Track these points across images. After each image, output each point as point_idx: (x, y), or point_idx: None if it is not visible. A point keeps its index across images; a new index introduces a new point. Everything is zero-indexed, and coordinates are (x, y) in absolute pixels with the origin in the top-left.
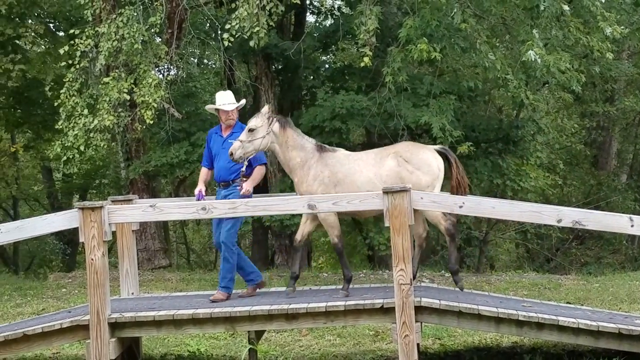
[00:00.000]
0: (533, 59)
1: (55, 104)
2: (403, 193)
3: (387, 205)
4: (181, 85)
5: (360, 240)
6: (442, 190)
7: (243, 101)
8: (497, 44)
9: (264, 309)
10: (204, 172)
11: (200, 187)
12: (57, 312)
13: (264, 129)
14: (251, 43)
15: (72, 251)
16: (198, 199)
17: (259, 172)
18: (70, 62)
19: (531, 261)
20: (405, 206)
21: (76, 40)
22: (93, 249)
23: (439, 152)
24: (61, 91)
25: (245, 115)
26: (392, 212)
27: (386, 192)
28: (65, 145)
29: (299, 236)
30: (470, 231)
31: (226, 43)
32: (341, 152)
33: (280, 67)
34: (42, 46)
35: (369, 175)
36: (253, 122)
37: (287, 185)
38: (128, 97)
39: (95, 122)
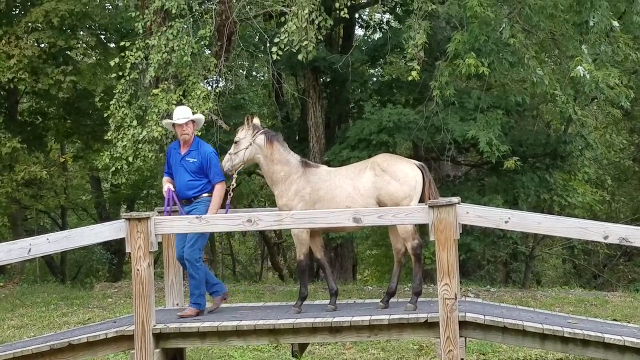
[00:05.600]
0: (582, 75)
1: (105, 115)
2: (449, 207)
3: (432, 220)
4: (229, 97)
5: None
6: None
7: (199, 116)
8: (546, 59)
9: (308, 322)
10: (167, 179)
11: (168, 185)
12: (103, 322)
13: (246, 141)
14: (300, 57)
15: (118, 262)
16: (168, 197)
17: (217, 194)
18: (120, 74)
19: (578, 277)
20: (451, 220)
21: (127, 52)
22: (139, 259)
23: (418, 167)
24: (111, 102)
25: (292, 128)
26: (438, 227)
27: (432, 206)
28: (114, 156)
29: (318, 254)
30: (517, 246)
31: (275, 56)
32: (324, 168)
33: (328, 80)
34: (93, 58)
35: (348, 190)
36: (238, 134)
37: None
38: None
39: (144, 133)
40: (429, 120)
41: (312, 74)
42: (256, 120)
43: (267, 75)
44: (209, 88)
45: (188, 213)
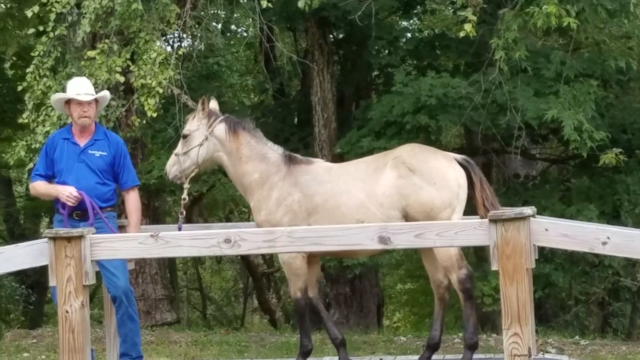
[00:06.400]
0: None
1: (19, 87)
2: (519, 222)
3: (495, 240)
4: (198, 62)
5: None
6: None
7: (105, 93)
8: None
9: None
10: (43, 183)
11: (69, 188)
12: None
13: (200, 134)
14: (300, 3)
15: (38, 299)
16: (89, 201)
17: (137, 205)
18: (40, 28)
19: None
20: (522, 241)
21: None
22: (68, 296)
23: (460, 164)
24: (27, 70)
25: (289, 107)
26: (503, 250)
27: (494, 219)
28: (32, 146)
29: (310, 291)
30: (619, 279)
31: (264, 3)
32: (320, 164)
33: (341, 37)
34: (2, 5)
35: (359, 196)
36: (187, 125)
37: None
38: (122, 79)
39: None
40: (488, 95)
41: (317, 27)
42: (213, 104)
43: (252, 30)
44: (169, 49)
45: None
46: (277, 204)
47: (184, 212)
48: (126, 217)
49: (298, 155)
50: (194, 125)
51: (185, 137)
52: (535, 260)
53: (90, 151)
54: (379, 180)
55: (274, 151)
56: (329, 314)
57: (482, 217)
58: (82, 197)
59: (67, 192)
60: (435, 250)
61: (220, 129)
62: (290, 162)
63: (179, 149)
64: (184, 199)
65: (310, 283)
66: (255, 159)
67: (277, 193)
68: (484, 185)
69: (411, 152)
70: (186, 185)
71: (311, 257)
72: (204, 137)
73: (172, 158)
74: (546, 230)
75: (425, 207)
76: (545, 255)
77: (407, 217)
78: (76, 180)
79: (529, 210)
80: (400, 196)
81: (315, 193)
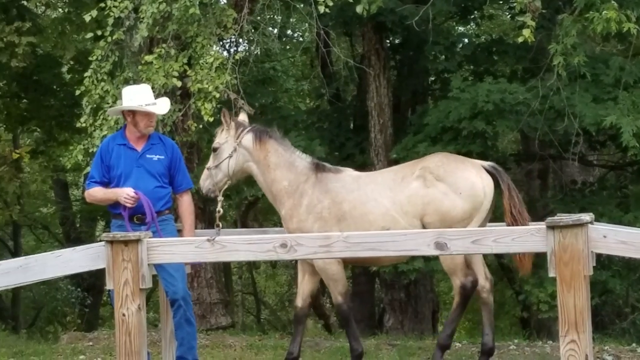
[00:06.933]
0: None
1: (77, 92)
2: (577, 228)
3: (552, 246)
4: (255, 67)
5: (511, 295)
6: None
7: (167, 102)
8: None
9: None
10: (99, 189)
11: (127, 190)
12: None
13: (229, 146)
14: (358, 8)
15: (93, 302)
16: (147, 205)
17: (191, 208)
18: (98, 33)
19: None
20: (580, 247)
21: (108, 2)
22: (125, 300)
23: (488, 172)
24: (85, 74)
25: (345, 112)
26: (561, 257)
27: (552, 226)
28: (90, 150)
29: (299, 301)
30: None
31: (322, 8)
32: (348, 173)
33: (398, 42)
34: (60, 10)
35: (386, 204)
36: (216, 138)
37: None
38: (179, 84)
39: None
40: (546, 101)
41: (374, 33)
42: (242, 116)
43: (308, 35)
44: (225, 53)
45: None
46: (308, 211)
47: (220, 225)
48: (180, 221)
49: (326, 164)
50: (223, 138)
51: (215, 150)
52: (593, 267)
53: (148, 155)
54: (406, 189)
55: (302, 159)
56: (302, 330)
57: (508, 225)
58: (139, 198)
59: (125, 193)
60: (441, 257)
61: (248, 139)
62: (319, 170)
63: (210, 162)
64: (219, 212)
65: (304, 296)
66: (283, 166)
67: (307, 200)
68: (512, 192)
69: (439, 162)
70: (220, 198)
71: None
72: (232, 148)
73: (205, 172)
74: (604, 237)
75: (443, 216)
76: (602, 262)
77: (424, 225)
78: (135, 184)
79: (587, 217)
80: (423, 205)
81: (343, 200)
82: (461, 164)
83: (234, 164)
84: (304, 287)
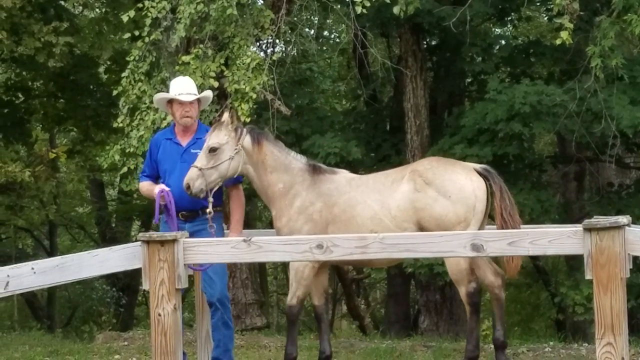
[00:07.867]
0: None
1: (114, 92)
2: (614, 231)
3: (589, 249)
4: (291, 67)
5: (547, 298)
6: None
7: (208, 93)
8: None
9: None
10: (147, 183)
11: (161, 186)
12: None
13: (230, 147)
14: (395, 9)
15: (129, 302)
16: (164, 202)
17: (241, 202)
18: (136, 33)
19: None
20: (617, 250)
21: (145, 2)
22: (161, 300)
23: (480, 174)
24: (122, 74)
25: (381, 113)
26: (597, 259)
27: (588, 228)
28: (126, 150)
29: (315, 300)
30: None
31: (359, 9)
32: (343, 175)
33: (434, 43)
34: (97, 10)
35: (374, 207)
36: (214, 138)
37: None
38: (216, 84)
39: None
40: (583, 103)
41: (411, 34)
42: (225, 115)
43: (345, 36)
44: (262, 54)
45: (192, 235)
46: (299, 212)
47: (215, 226)
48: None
49: (322, 165)
50: (223, 138)
51: (214, 150)
52: (629, 269)
53: (192, 150)
54: (395, 193)
55: (297, 160)
56: (328, 328)
57: (499, 228)
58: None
59: (158, 190)
60: (447, 263)
61: (247, 140)
62: (315, 172)
63: (202, 162)
64: (210, 213)
65: (318, 292)
66: (279, 169)
67: (300, 202)
68: (504, 195)
69: (428, 165)
70: (210, 199)
71: (321, 267)
72: (234, 150)
73: (194, 171)
74: None
75: (438, 221)
76: (639, 264)
77: (421, 230)
78: (179, 180)
79: (624, 219)
80: (415, 209)
81: (335, 203)
82: (450, 166)
83: (234, 167)
84: (317, 284)
